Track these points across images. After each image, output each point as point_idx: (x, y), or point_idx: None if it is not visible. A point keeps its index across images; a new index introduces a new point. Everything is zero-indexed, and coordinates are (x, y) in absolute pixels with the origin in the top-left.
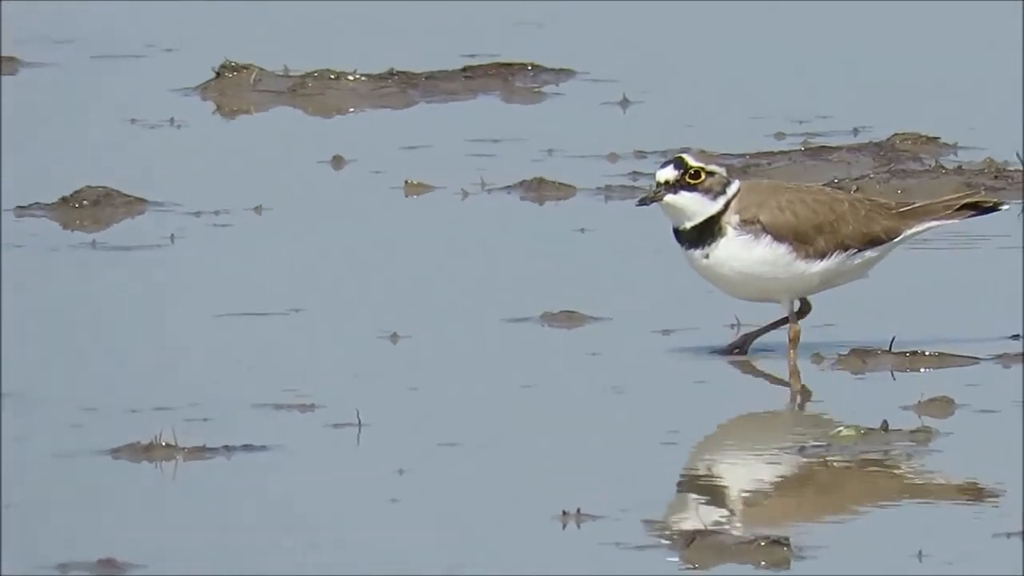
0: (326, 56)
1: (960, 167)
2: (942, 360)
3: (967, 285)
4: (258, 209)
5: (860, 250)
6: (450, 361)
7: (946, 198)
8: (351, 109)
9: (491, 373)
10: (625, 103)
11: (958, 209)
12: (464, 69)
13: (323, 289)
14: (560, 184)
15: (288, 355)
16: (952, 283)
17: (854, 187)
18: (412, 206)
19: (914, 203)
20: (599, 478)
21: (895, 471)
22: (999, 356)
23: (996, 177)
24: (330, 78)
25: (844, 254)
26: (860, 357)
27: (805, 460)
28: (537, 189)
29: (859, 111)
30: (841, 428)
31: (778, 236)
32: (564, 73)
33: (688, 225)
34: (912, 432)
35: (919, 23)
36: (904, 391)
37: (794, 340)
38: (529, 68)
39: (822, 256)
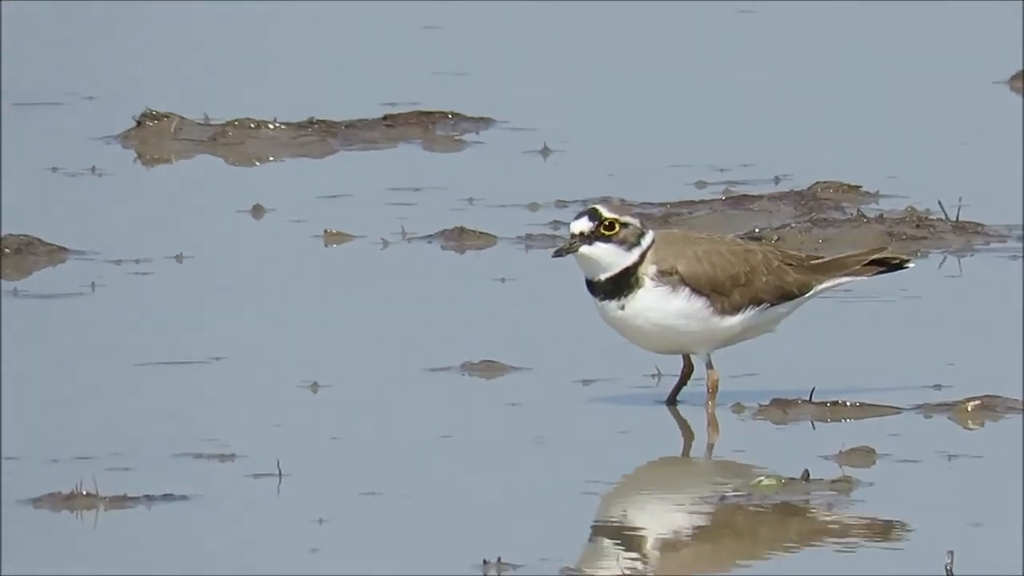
0: (246, 105)
1: (882, 216)
2: (863, 410)
3: (886, 335)
4: (179, 258)
5: (772, 304)
6: (371, 411)
7: (855, 253)
8: (271, 158)
9: (412, 423)
10: (546, 151)
11: (866, 264)
12: (384, 118)
13: (244, 338)
14: (481, 233)
15: (209, 404)
16: (871, 333)
17: (775, 236)
18: (332, 255)
19: (823, 257)
20: (520, 527)
21: (810, 516)
22: (920, 406)
23: (918, 226)
24: (250, 127)
25: (757, 308)
26: (781, 407)
27: (724, 508)
28: (458, 238)
29: (781, 159)
30: (762, 478)
31: (696, 288)
32: (484, 122)
33: (603, 277)
34: (833, 482)
35: (839, 72)
36: (825, 441)
37: (713, 390)
38: (450, 116)
39: (737, 310)
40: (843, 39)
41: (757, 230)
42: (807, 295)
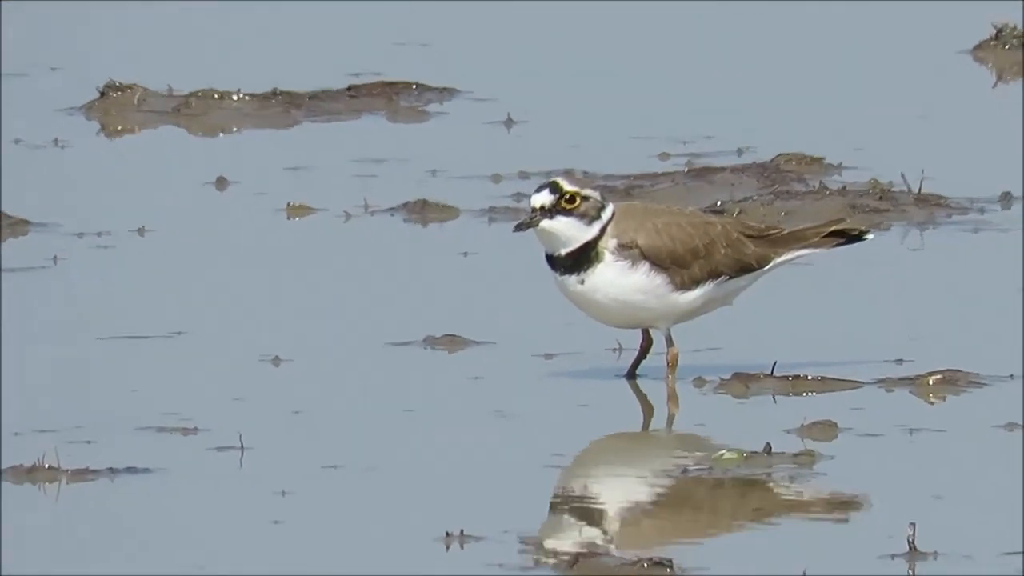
0: (210, 76)
1: (844, 188)
2: (825, 384)
3: (848, 308)
4: (141, 231)
5: (731, 277)
6: (333, 384)
7: (814, 225)
8: (235, 129)
9: (374, 396)
10: (509, 123)
11: (825, 236)
12: (348, 88)
13: (205, 312)
14: (444, 206)
15: (171, 378)
16: (833, 306)
17: (737, 209)
18: (295, 228)
19: (783, 229)
20: (482, 500)
21: (772, 489)
22: (882, 380)
23: (881, 198)
24: (214, 98)
25: (715, 281)
26: (743, 381)
27: (684, 481)
28: (421, 211)
29: (743, 131)
30: (724, 451)
31: (656, 261)
32: (448, 92)
33: (563, 251)
34: (795, 455)
35: (802, 44)
36: (787, 415)
37: (672, 364)
38: (414, 87)
39: (696, 283)
40: (807, 11)
41: (720, 203)
42: (766, 268)
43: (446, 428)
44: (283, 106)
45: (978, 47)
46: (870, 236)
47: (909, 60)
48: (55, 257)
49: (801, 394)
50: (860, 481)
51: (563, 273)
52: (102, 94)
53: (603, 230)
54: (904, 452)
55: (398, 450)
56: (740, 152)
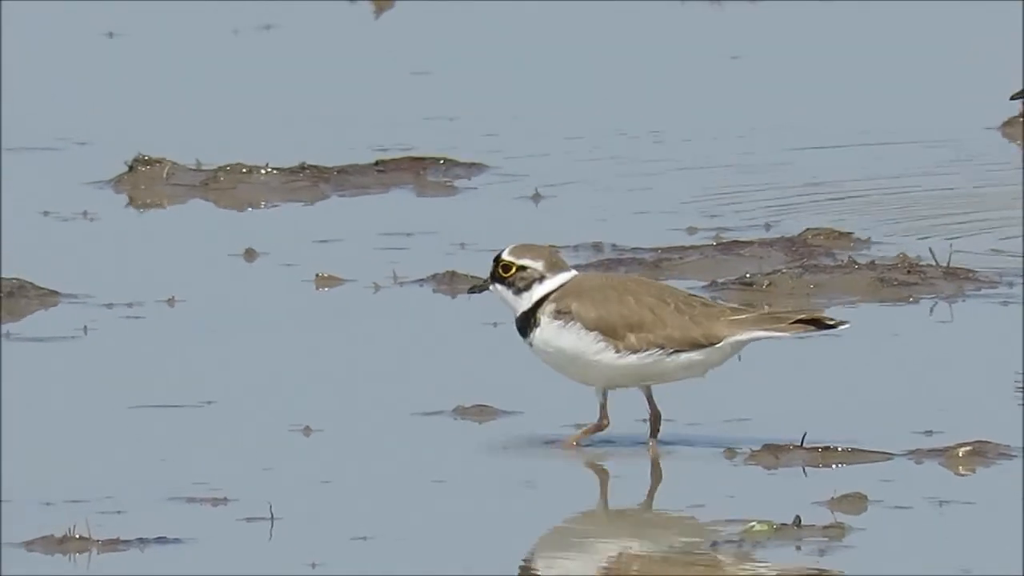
0: (238, 150)
1: (873, 262)
2: (855, 455)
3: (878, 380)
4: (171, 301)
5: (678, 351)
6: (362, 454)
7: (784, 310)
8: (263, 203)
9: (403, 467)
10: (537, 197)
11: (793, 323)
12: (376, 163)
13: (235, 382)
14: (472, 277)
15: (201, 448)
16: (863, 378)
17: (766, 282)
18: (323, 299)
19: (752, 310)
20: (513, 572)
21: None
22: (912, 452)
23: (909, 272)
24: (242, 172)
25: (660, 352)
26: (772, 452)
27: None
28: (450, 282)
29: (771, 206)
30: (754, 523)
31: (585, 325)
32: (476, 167)
33: (517, 315)
34: (825, 528)
35: (829, 122)
36: (817, 487)
37: (591, 431)
38: (441, 162)
39: (634, 352)
40: (835, 85)
41: (748, 275)
42: (717, 346)
43: (476, 498)
44: (311, 180)
45: (1007, 123)
46: (846, 326)
47: (934, 134)
48: (85, 327)
49: (831, 465)
50: (890, 555)
51: (521, 335)
52: (131, 168)
53: (543, 299)
54: (934, 525)
55: (428, 521)
56: (768, 226)
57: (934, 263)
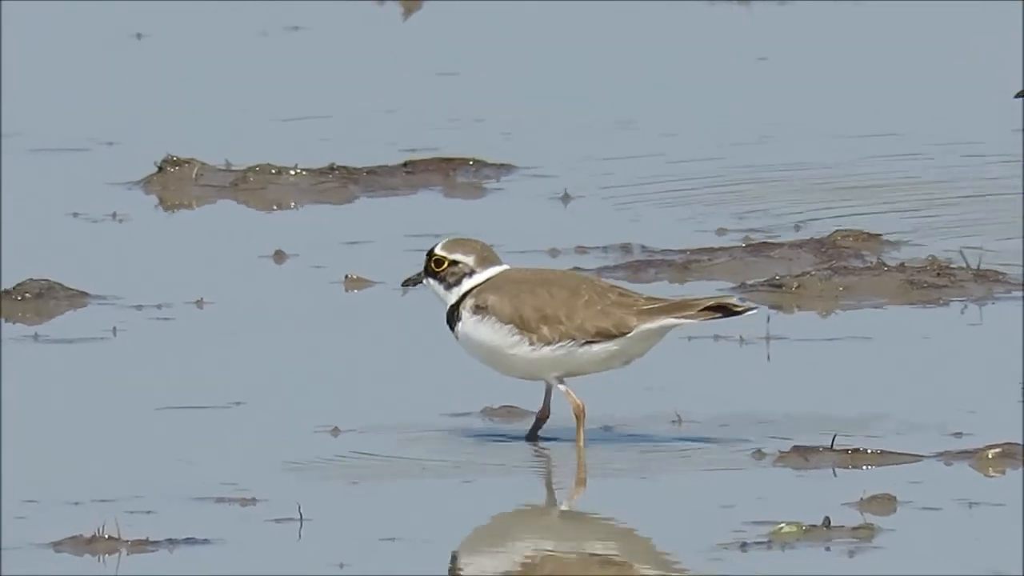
0: (267, 151)
1: (903, 264)
2: (884, 457)
3: (907, 382)
4: (199, 303)
5: (590, 342)
6: (391, 455)
7: (693, 298)
8: (292, 204)
9: (431, 467)
10: (567, 198)
11: (702, 310)
12: (405, 164)
13: (264, 382)
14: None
15: (229, 448)
16: (893, 380)
17: (795, 284)
18: (353, 300)
19: (663, 300)
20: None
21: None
22: (941, 453)
23: (939, 274)
24: (271, 173)
25: (572, 343)
26: (802, 454)
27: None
28: None
29: (801, 207)
30: (783, 525)
31: (500, 319)
32: (505, 168)
33: (447, 308)
34: (854, 529)
35: (859, 121)
36: (846, 488)
37: (580, 416)
38: (471, 163)
39: (547, 344)
40: (863, 88)
41: (777, 277)
42: (628, 335)
43: (505, 500)
44: (340, 181)
45: None
46: (753, 311)
47: (966, 138)
48: (114, 328)
49: (860, 467)
50: (919, 556)
51: (449, 328)
52: (160, 169)
53: (466, 294)
54: (963, 526)
55: (456, 522)
56: (797, 228)
57: (964, 265)
